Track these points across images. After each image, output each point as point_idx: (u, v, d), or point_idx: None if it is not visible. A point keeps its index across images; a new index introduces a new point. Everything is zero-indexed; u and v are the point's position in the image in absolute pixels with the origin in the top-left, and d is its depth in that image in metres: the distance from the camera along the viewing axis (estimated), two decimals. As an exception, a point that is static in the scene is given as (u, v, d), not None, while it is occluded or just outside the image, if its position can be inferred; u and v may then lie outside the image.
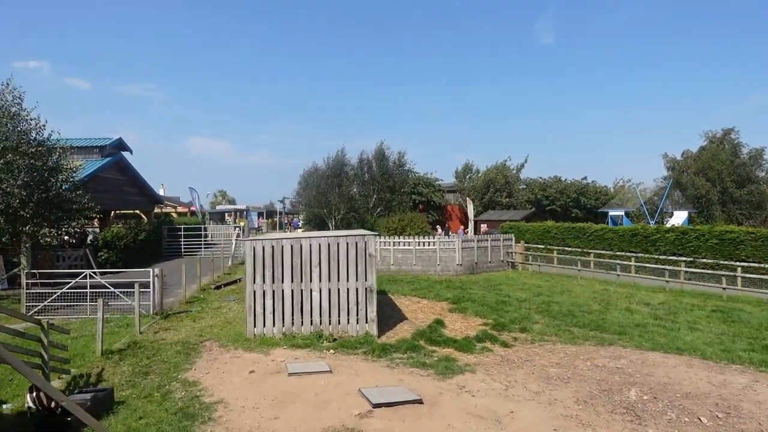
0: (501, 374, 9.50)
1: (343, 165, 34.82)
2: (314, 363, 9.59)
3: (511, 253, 26.33)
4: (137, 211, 32.47)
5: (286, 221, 65.95)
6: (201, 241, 32.83)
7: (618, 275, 21.89)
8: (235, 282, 20.36)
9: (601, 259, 23.75)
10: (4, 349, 5.31)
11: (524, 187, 50.96)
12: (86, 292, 14.21)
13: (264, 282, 11.65)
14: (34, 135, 14.81)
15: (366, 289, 11.84)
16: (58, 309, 14.39)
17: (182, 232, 29.99)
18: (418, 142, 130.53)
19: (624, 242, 25.87)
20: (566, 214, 47.23)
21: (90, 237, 23.31)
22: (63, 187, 15.00)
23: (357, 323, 11.81)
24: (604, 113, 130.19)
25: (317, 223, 35.56)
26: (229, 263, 26.48)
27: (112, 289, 14.22)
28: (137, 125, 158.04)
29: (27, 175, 13.93)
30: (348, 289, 11.81)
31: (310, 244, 11.80)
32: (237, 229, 43.73)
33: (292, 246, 11.74)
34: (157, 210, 36.51)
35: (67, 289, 14.06)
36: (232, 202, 75.55)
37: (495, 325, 13.17)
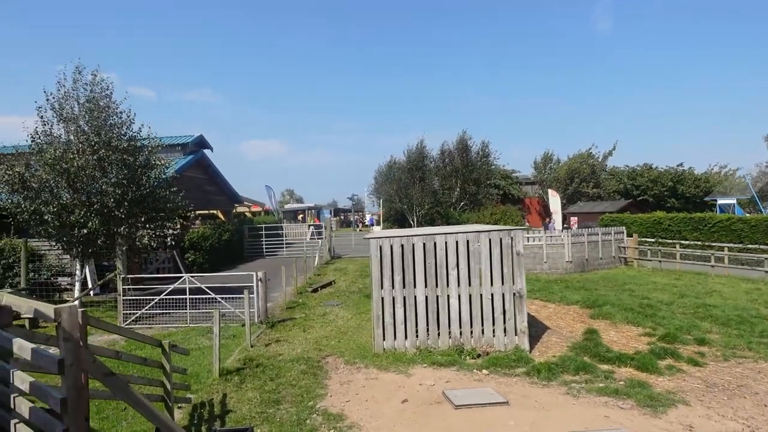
0: (723, 406, 7.29)
1: (423, 157, 32.91)
2: (477, 390, 7.69)
3: (623, 247, 23.59)
4: (214, 211, 31.83)
5: (357, 219, 64.88)
6: (281, 240, 31.86)
7: (766, 271, 18.82)
8: (329, 284, 18.85)
9: (737, 254, 20.67)
10: (128, 386, 3.75)
11: (610, 176, 47.29)
12: (184, 299, 12.98)
13: (393, 287, 9.87)
14: (124, 130, 13.72)
15: (514, 294, 9.85)
16: (154, 317, 13.24)
17: (263, 232, 28.97)
18: (486, 134, 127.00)
19: (758, 233, 22.59)
20: (660, 205, 43.37)
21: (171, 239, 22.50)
22: (156, 185, 13.82)
23: (504, 335, 9.84)
24: (693, 93, 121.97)
25: (397, 219, 33.85)
26: (315, 263, 25.11)
27: (213, 295, 12.90)
28: (193, 129, 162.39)
29: (120, 173, 12.81)
30: (492, 295, 9.86)
31: (446, 242, 9.93)
32: (311, 228, 42.84)
33: (424, 244, 9.90)
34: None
35: (165, 295, 12.85)
36: (299, 200, 75.29)
37: (663, 337, 10.85)
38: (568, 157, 48.00)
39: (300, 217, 51.41)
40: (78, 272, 13.98)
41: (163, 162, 13.99)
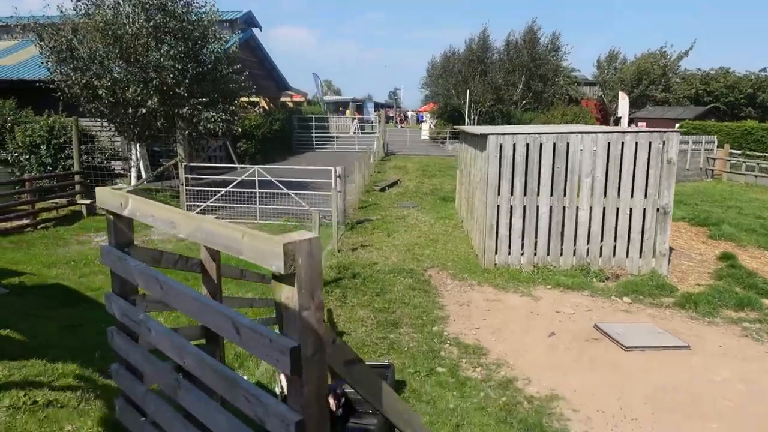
0: None
1: (486, 49, 29.87)
2: (640, 327, 6.32)
3: (712, 159, 21.33)
4: (257, 99, 29.97)
5: (398, 117, 62.07)
6: (328, 133, 30.20)
7: None
8: (396, 183, 17.39)
9: None
10: (380, 384, 2.35)
11: (681, 80, 43.22)
12: (248, 192, 11.69)
13: (512, 194, 8.29)
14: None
15: (657, 210, 8.20)
16: (218, 210, 12.06)
17: (314, 123, 27.21)
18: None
19: None
20: (734, 114, 39.80)
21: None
22: (216, 62, 12.04)
23: (639, 257, 8.33)
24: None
25: (451, 117, 31.56)
26: (372, 159, 23.54)
27: (285, 190, 11.55)
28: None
29: (178, 44, 11.03)
30: (631, 210, 8.22)
31: (582, 145, 8.16)
32: (355, 121, 40.83)
33: (555, 144, 8.15)
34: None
35: (233, 187, 11.55)
36: (337, 93, 72.33)
37: (816, 266, 9.23)
38: (636, 56, 43.77)
39: (342, 109, 49.17)
40: (134, 157, 12.71)
41: (224, 36, 12.07)
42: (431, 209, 13.42)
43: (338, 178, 11.22)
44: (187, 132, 11.43)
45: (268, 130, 21.60)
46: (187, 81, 11.10)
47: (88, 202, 11.90)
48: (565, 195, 8.28)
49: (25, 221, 10.69)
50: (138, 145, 12.64)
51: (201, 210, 11.78)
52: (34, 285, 7.07)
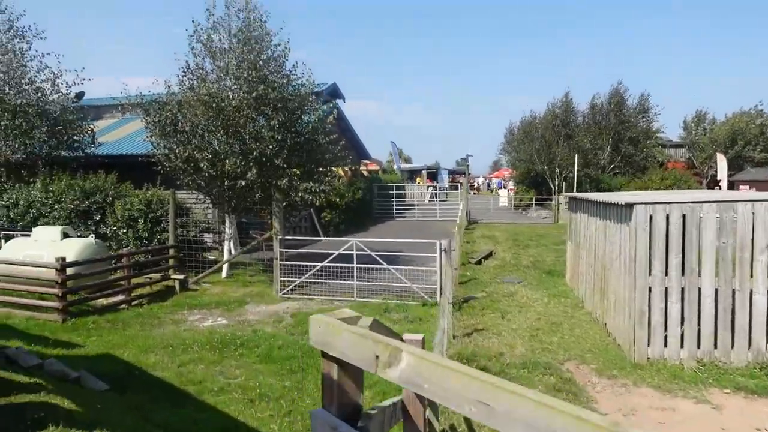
0: None
1: (569, 112, 28.91)
2: None
3: None
4: (339, 167, 30.13)
5: (473, 183, 61.43)
6: (408, 201, 29.75)
7: None
8: (490, 255, 16.25)
9: None
10: None
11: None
12: (342, 267, 10.92)
13: (667, 274, 7.00)
14: (280, 65, 11.66)
15: None
16: (310, 286, 11.34)
17: (393, 191, 26.82)
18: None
19: None
20: None
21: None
22: (314, 132, 11.73)
23: (838, 353, 6.69)
24: None
25: (533, 183, 30.37)
26: (455, 228, 22.59)
27: (385, 266, 10.72)
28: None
29: (279, 115, 10.79)
30: (823, 294, 6.70)
31: (753, 213, 6.85)
32: (430, 189, 40.38)
33: (720, 216, 6.88)
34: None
35: (328, 262, 10.85)
36: (408, 161, 73.01)
37: None
38: (727, 116, 41.30)
39: (414, 177, 49.10)
40: (227, 229, 12.39)
41: (323, 106, 11.82)
42: (539, 285, 12.14)
43: (443, 252, 10.28)
44: (284, 204, 10.98)
45: (351, 199, 21.26)
46: (285, 151, 10.77)
47: (181, 277, 11.55)
48: (734, 275, 6.91)
49: (120, 297, 10.39)
50: (237, 217, 12.35)
51: (296, 286, 11.11)
52: (135, 378, 6.42)
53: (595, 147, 27.67)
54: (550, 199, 29.19)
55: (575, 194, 11.37)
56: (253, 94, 10.42)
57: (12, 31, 14.25)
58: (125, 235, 12.28)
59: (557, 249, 17.34)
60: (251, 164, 10.51)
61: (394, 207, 26.67)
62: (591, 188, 26.98)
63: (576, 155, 25.90)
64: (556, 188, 28.88)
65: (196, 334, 8.49)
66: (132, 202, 12.27)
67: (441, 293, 10.33)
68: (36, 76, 14.48)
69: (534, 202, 28.30)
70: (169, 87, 11.23)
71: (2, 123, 13.59)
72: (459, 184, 34.94)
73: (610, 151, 28.43)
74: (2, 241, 11.62)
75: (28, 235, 11.51)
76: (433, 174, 48.99)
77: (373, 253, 10.74)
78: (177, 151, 10.52)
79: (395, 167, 35.38)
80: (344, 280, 11.32)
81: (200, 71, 11.05)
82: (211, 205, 13.06)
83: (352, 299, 10.67)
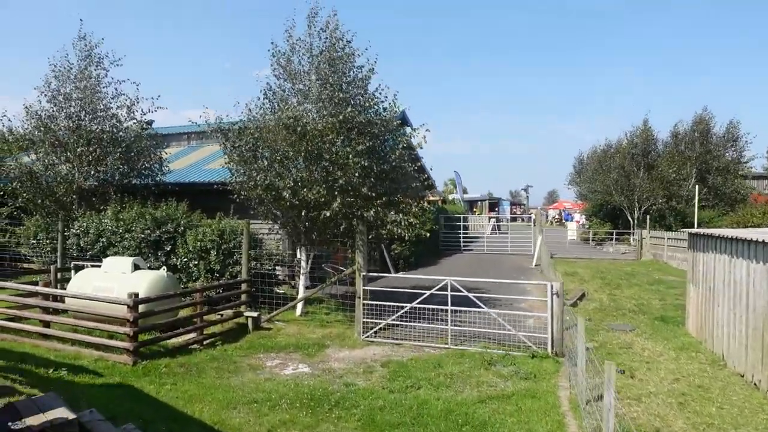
0: None
1: (648, 141, 27.03)
2: None
3: None
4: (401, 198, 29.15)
5: (526, 214, 59.31)
6: (473, 233, 28.38)
7: None
8: (583, 295, 14.68)
9: None
10: None
11: None
12: (429, 309, 9.70)
13: None
14: (364, 88, 10.81)
15: None
16: (393, 329, 10.16)
17: (461, 223, 25.54)
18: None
19: None
20: None
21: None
22: (399, 159, 10.74)
23: None
24: None
25: (608, 215, 28.40)
26: (533, 263, 21.05)
27: (485, 308, 9.43)
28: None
29: (365, 140, 9.86)
30: None
31: None
32: (492, 220, 38.78)
33: None
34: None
35: (418, 303, 9.66)
36: (464, 191, 71.63)
37: None
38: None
39: (473, 208, 47.63)
40: (303, 263, 11.44)
41: (410, 132, 10.82)
42: (655, 334, 10.54)
43: (555, 296, 8.93)
44: (371, 237, 9.96)
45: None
46: (371, 179, 9.79)
47: (254, 314, 10.62)
48: None
49: (192, 335, 9.51)
50: (306, 250, 11.42)
51: (380, 328, 9.96)
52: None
53: (680, 178, 25.60)
54: (629, 233, 27.16)
55: (703, 231, 9.83)
56: (340, 117, 9.54)
57: (89, 58, 14.11)
58: (196, 267, 11.52)
59: (657, 290, 15.59)
60: (336, 193, 9.57)
61: (462, 239, 25.33)
62: (676, 222, 24.87)
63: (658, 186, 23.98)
64: (635, 221, 26.85)
65: (280, 385, 7.42)
66: (204, 233, 11.54)
67: (552, 343, 8.97)
68: (111, 103, 14.24)
69: (615, 236, 26.36)
70: (249, 110, 10.54)
71: (78, 150, 13.30)
72: (530, 216, 33.24)
73: (695, 182, 26.29)
74: (72, 271, 11.06)
75: (98, 266, 10.90)
76: (491, 204, 47.40)
77: (470, 295, 9.48)
78: (258, 179, 9.69)
79: (456, 197, 34.09)
80: (430, 322, 10.13)
81: (282, 93, 10.31)
82: (281, 237, 12.21)
83: (447, 346, 9.41)
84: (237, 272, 11.46)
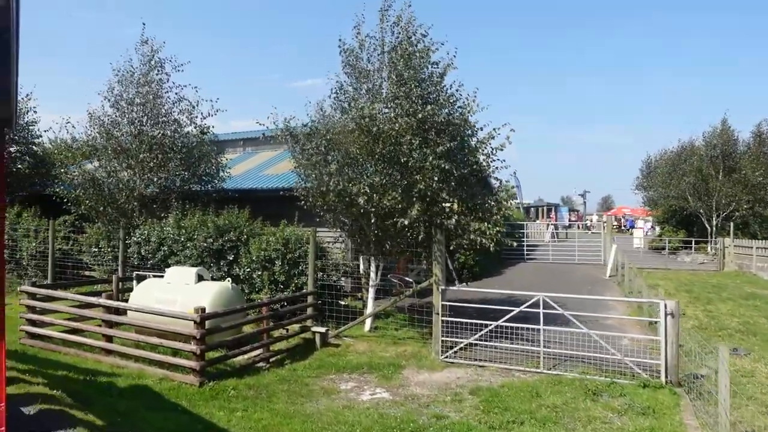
0: None
1: (729, 142, 25.02)
2: None
3: None
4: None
5: (584, 221, 57.02)
6: (534, 241, 27.03)
7: None
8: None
9: None
10: None
11: None
12: (533, 329, 8.69)
13: None
14: (440, 82, 9.95)
15: None
16: (476, 348, 9.20)
17: (524, 230, 24.27)
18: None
19: None
20: None
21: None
22: (480, 164, 9.82)
23: None
24: None
25: (682, 222, 26.47)
26: (607, 274, 19.62)
27: (584, 329, 8.37)
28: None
29: (445, 141, 8.99)
30: None
31: None
32: (551, 227, 37.15)
33: None
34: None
35: (505, 321, 8.67)
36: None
37: None
38: None
39: (530, 214, 45.90)
40: (372, 275, 10.65)
41: (490, 133, 9.84)
42: (779, 359, 9.18)
43: (669, 317, 7.77)
44: (452, 247, 9.09)
45: (485, 239, 19.03)
46: (452, 184, 8.90)
47: (322, 329, 9.89)
48: None
49: (258, 353, 8.84)
50: (376, 260, 10.62)
51: (461, 348, 9.03)
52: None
53: (767, 182, 23.49)
54: (706, 242, 25.18)
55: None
56: (418, 116, 8.70)
57: (152, 63, 13.84)
58: (260, 278, 10.91)
59: (755, 306, 14.04)
60: (414, 199, 8.73)
61: (525, 247, 24.05)
62: (762, 230, 22.82)
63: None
64: (713, 229, 24.87)
65: (362, 415, 6.60)
66: (268, 241, 10.91)
67: (666, 371, 7.81)
68: (172, 108, 13.92)
69: (691, 244, 24.48)
70: (321, 109, 9.85)
71: (140, 156, 12.99)
72: (586, 223, 31.60)
73: (781, 186, 24.13)
74: (134, 281, 10.64)
75: (161, 276, 10.44)
76: (547, 211, 45.60)
77: (566, 313, 8.44)
78: (331, 183, 8.96)
79: (516, 203, 32.73)
80: (512, 341, 9.15)
81: (354, 91, 9.58)
82: (343, 245, 11.46)
83: (538, 371, 8.37)
84: (302, 283, 10.77)
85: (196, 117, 13.96)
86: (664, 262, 23.35)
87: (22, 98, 17.22)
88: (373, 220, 10.16)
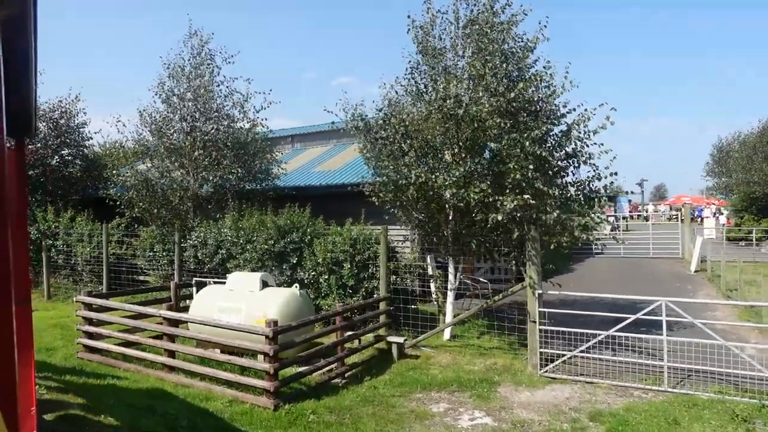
0: None
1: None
2: None
3: None
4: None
5: (641, 213, 54.27)
6: (597, 233, 25.24)
7: None
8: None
9: None
10: None
11: None
12: (654, 340, 7.43)
13: None
14: (524, 57, 8.74)
15: None
16: (578, 361, 7.99)
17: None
18: None
19: None
20: None
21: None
22: (573, 150, 8.57)
23: None
24: None
25: (762, 211, 24.28)
26: (692, 269, 17.92)
27: (720, 341, 7.04)
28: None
29: (540, 122, 7.80)
30: None
31: None
32: (612, 219, 35.13)
33: None
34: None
35: (617, 330, 7.43)
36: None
37: None
38: None
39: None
40: (451, 277, 9.57)
41: (584, 113, 8.56)
42: None
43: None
44: (552, 246, 7.93)
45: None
46: (549, 173, 7.72)
47: (400, 339, 8.87)
48: None
49: (331, 367, 7.90)
50: (455, 262, 9.53)
51: (564, 362, 7.84)
52: None
53: None
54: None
55: None
56: (512, 94, 7.53)
57: (201, 55, 13.10)
58: (326, 283, 9.98)
59: None
60: (507, 191, 7.59)
61: (592, 241, 22.35)
62: None
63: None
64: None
65: (470, 449, 5.54)
66: (335, 242, 9.97)
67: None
68: (224, 102, 13.16)
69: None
70: (395, 92, 8.81)
71: (194, 154, 12.26)
72: (643, 214, 29.46)
73: None
74: (193, 288, 9.88)
75: (222, 282, 9.64)
76: (608, 200, 43.43)
77: (696, 322, 7.13)
78: (412, 176, 7.88)
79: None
80: (618, 352, 7.91)
81: (432, 71, 8.46)
82: (416, 245, 10.40)
83: (661, 389, 7.12)
84: (373, 288, 9.79)
85: (249, 111, 13.16)
86: (750, 254, 21.35)
87: (71, 100, 16.87)
88: (450, 216, 9.09)
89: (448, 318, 9.62)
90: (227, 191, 12.69)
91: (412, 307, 10.07)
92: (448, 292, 9.61)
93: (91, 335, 8.64)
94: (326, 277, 9.97)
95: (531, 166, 7.61)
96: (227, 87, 13.34)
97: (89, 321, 8.71)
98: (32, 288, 15.71)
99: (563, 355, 7.87)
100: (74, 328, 9.52)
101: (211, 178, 12.54)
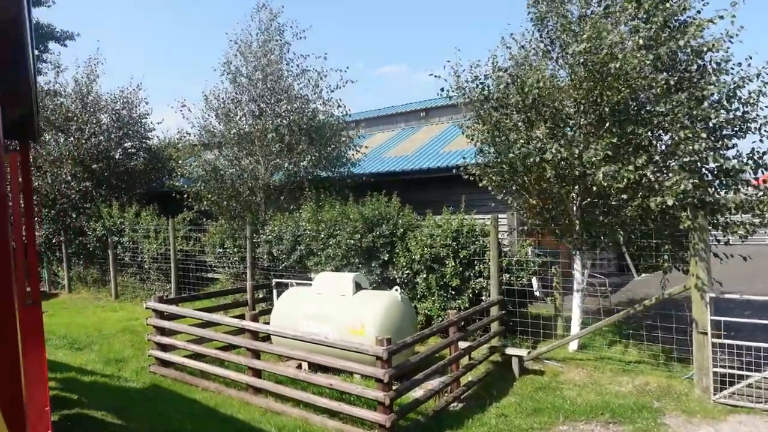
0: None
1: None
2: None
3: None
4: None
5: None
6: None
7: None
8: None
9: None
10: None
11: None
12: None
13: None
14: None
15: None
16: (760, 387, 6.22)
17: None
18: None
19: None
20: None
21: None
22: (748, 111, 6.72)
23: None
24: None
25: None
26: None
27: None
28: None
29: (707, 80, 5.99)
30: None
31: None
32: None
33: None
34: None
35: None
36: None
37: None
38: None
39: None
40: (578, 275, 7.94)
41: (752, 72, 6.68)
42: None
43: None
44: (727, 238, 6.21)
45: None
46: (709, 139, 5.96)
47: (523, 352, 7.34)
48: None
49: (441, 386, 6.46)
50: (583, 256, 7.89)
51: (749, 385, 6.10)
52: None
53: None
54: None
55: None
56: (670, 45, 5.77)
57: (270, 30, 11.85)
58: (425, 283, 8.55)
59: None
60: (670, 169, 5.91)
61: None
62: None
63: None
64: None
65: None
66: (433, 235, 8.51)
67: None
68: (296, 81, 11.88)
69: None
70: (522, 47, 7.19)
71: (267, 138, 11.03)
72: None
73: None
74: (274, 291, 8.69)
75: (306, 284, 8.39)
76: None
77: None
78: (552, 150, 6.25)
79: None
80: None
81: (565, 20, 6.75)
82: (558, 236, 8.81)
83: None
84: (480, 288, 8.29)
85: (323, 90, 11.82)
86: None
87: (133, 89, 16.10)
88: (576, 201, 7.46)
89: (574, 324, 8.00)
90: (302, 179, 11.42)
91: (522, 310, 8.48)
92: (575, 293, 7.98)
93: (164, 347, 7.57)
94: (424, 276, 8.53)
95: (704, 135, 5.86)
96: (298, 65, 12.07)
97: (161, 331, 7.64)
98: (100, 287, 15.12)
99: (747, 377, 6.13)
100: (143, 335, 8.58)
101: (285, 165, 11.30)
